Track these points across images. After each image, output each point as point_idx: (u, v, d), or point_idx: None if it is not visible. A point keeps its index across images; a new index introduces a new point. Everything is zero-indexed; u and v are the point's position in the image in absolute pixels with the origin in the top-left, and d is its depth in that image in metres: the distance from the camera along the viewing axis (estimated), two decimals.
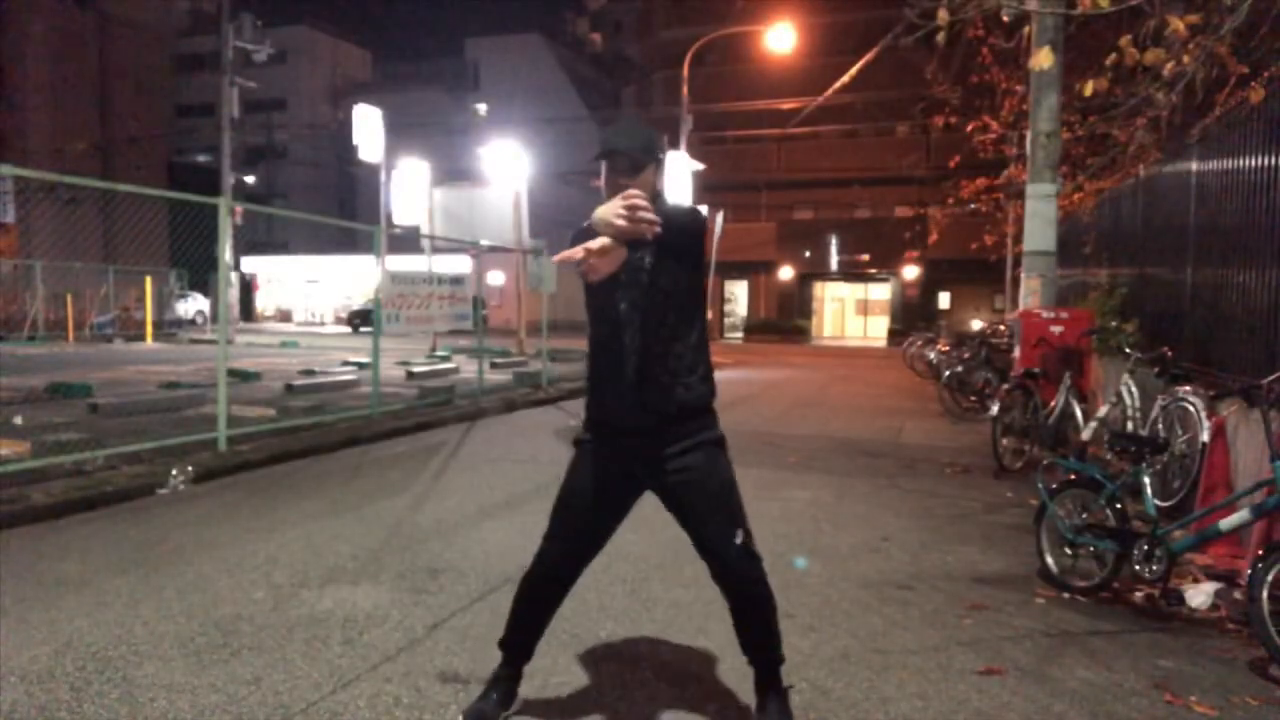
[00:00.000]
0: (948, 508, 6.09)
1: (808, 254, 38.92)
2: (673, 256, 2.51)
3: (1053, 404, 7.55)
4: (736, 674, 3.20)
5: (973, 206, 19.48)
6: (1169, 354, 6.28)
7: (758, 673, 2.78)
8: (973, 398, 11.19)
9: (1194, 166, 6.68)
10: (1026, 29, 8.50)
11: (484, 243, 14.21)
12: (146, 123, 43.16)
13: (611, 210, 2.19)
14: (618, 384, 2.59)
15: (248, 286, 40.05)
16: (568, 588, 2.83)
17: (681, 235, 2.43)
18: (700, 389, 2.62)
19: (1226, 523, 3.89)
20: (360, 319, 30.29)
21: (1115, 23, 8.44)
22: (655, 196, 2.61)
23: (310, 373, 13.12)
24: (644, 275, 2.55)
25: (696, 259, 2.61)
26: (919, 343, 18.78)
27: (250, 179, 34.11)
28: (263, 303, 44.89)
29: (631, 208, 2.15)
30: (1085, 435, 7.07)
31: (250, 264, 40.52)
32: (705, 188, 26.15)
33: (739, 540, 2.61)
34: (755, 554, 2.67)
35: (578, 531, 2.75)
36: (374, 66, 62.35)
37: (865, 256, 38.00)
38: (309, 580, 4.19)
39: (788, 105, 26.95)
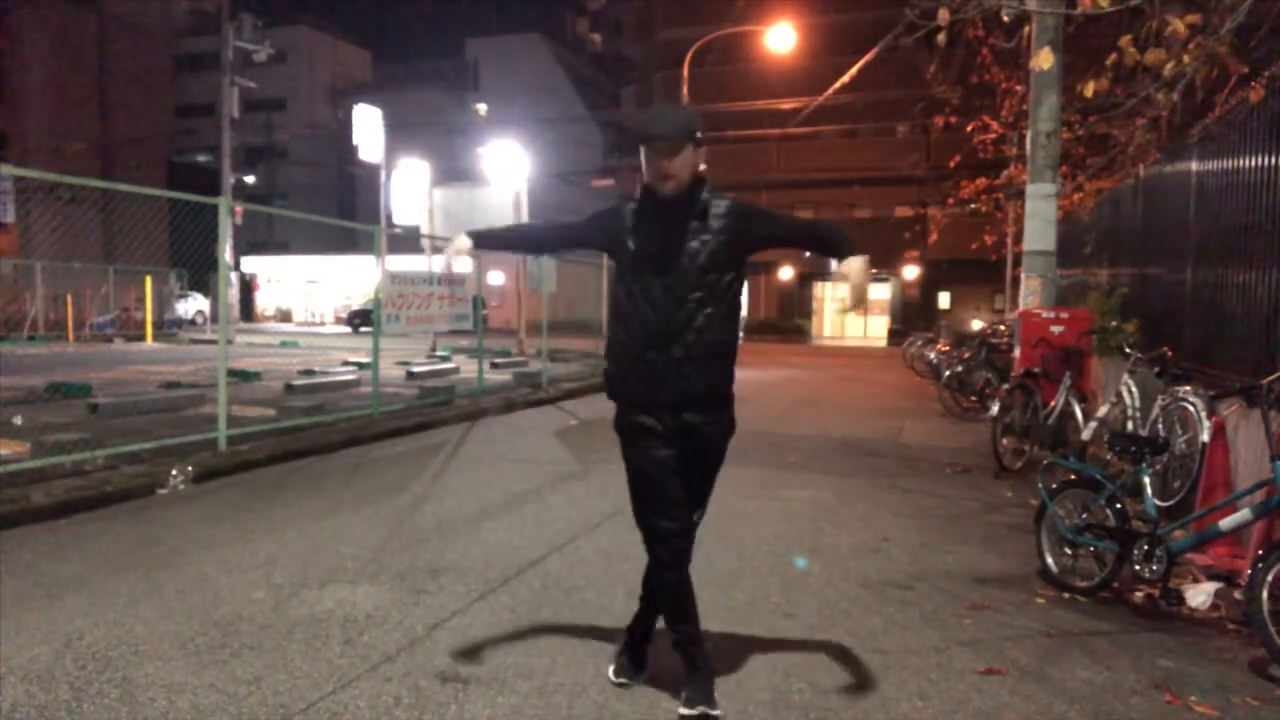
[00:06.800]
0: (948, 508, 6.09)
1: (807, 254, 38.92)
2: (742, 247, 2.84)
3: (1053, 404, 7.54)
4: (736, 672, 3.21)
5: (973, 206, 19.47)
6: (1169, 354, 6.27)
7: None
8: (973, 398, 11.18)
9: (1194, 166, 6.68)
10: (1026, 29, 8.49)
11: None
12: (146, 123, 43.14)
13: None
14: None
15: (248, 286, 40.06)
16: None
17: (753, 231, 2.87)
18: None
19: (1226, 523, 3.89)
20: (360, 319, 30.27)
21: (1115, 23, 8.46)
22: (698, 179, 2.79)
23: (310, 373, 13.10)
24: (698, 260, 2.78)
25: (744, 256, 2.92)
26: (919, 343, 18.78)
27: (250, 179, 34.08)
28: (263, 303, 44.91)
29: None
30: (1085, 435, 7.07)
31: (250, 264, 40.55)
32: None
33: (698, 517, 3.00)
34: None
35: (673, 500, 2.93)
36: (374, 66, 62.39)
37: (865, 256, 38.03)
38: (309, 580, 4.19)
39: (788, 105, 26.96)
